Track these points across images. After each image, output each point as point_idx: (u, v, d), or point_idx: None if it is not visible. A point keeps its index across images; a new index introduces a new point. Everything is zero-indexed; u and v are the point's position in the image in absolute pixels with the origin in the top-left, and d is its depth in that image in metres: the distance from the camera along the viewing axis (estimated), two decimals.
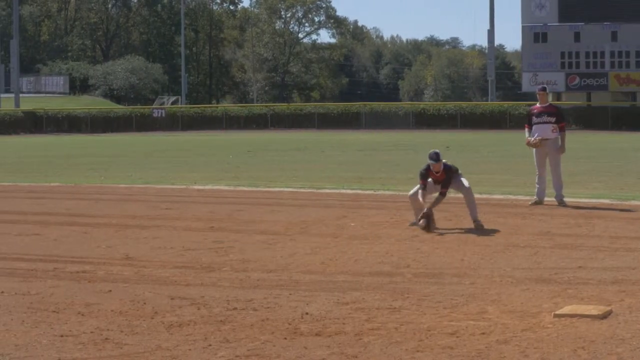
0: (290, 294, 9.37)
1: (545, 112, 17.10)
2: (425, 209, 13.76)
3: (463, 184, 14.42)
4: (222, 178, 24.42)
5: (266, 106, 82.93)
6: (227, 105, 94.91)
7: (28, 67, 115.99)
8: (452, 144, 41.95)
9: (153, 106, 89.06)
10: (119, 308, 8.81)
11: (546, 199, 17.01)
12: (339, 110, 75.05)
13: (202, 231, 14.15)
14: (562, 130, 17.09)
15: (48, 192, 21.16)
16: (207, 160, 34.04)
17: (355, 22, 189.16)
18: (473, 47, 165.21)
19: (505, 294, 9.29)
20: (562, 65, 68.43)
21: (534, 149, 17.10)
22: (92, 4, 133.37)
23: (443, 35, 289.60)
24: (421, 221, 13.74)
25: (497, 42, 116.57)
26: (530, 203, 16.89)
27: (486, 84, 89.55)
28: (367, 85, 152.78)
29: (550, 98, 69.83)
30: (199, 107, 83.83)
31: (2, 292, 9.66)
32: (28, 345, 7.48)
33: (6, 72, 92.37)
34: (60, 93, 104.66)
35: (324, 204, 17.75)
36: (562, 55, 68.30)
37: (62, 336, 7.76)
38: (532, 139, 17.01)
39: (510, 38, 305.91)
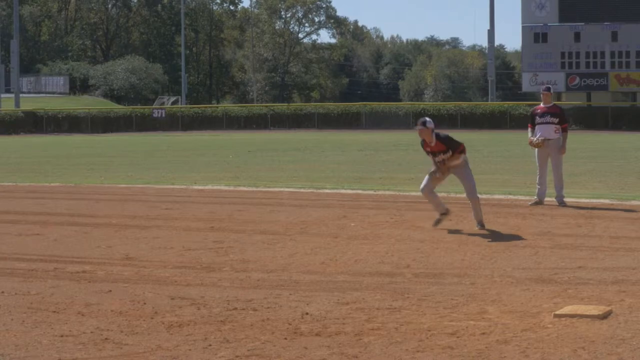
0: (290, 294, 9.37)
1: (548, 113, 17.11)
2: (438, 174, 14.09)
3: (466, 178, 14.41)
4: (222, 178, 24.42)
5: (266, 106, 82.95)
6: (227, 106, 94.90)
7: (28, 67, 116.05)
8: None
9: (153, 106, 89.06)
10: (119, 308, 8.81)
11: (546, 199, 17.02)
12: (339, 111, 75.08)
13: (202, 231, 14.15)
14: (564, 131, 17.11)
15: (48, 192, 21.16)
16: (207, 160, 34.03)
17: (356, 22, 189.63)
18: (473, 47, 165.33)
19: (505, 294, 9.29)
20: (562, 65, 68.46)
21: (536, 149, 17.11)
22: (92, 4, 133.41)
23: (443, 35, 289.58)
24: (438, 174, 14.08)
25: (497, 42, 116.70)
26: (530, 203, 16.90)
27: (486, 84, 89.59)
28: (367, 85, 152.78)
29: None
30: (199, 107, 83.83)
31: (2, 292, 9.65)
32: (28, 345, 7.48)
33: (6, 72, 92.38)
34: (60, 93, 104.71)
35: (324, 204, 17.75)
36: (562, 55, 68.34)
37: (62, 336, 7.76)
38: (535, 139, 17.02)
39: (511, 38, 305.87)
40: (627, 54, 67.46)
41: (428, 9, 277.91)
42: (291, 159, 33.42)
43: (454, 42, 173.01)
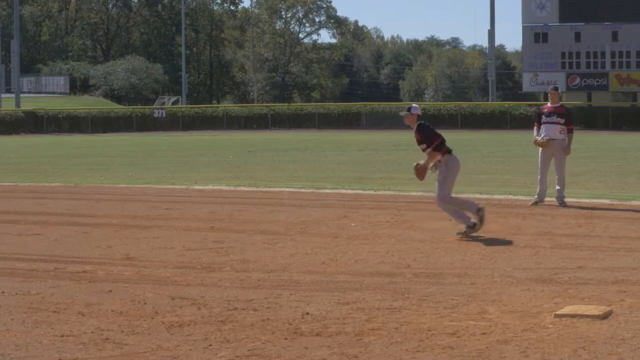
0: (290, 294, 9.37)
1: (555, 113, 17.05)
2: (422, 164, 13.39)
3: (438, 182, 13.31)
4: (222, 178, 24.42)
5: (267, 106, 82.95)
6: (228, 106, 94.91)
7: (29, 67, 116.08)
8: (452, 144, 41.86)
9: (153, 106, 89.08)
10: (119, 308, 8.81)
11: (547, 199, 17.01)
12: (340, 111, 75.08)
13: (203, 231, 14.15)
14: (570, 132, 17.06)
15: (48, 192, 21.16)
16: (207, 160, 34.04)
17: (356, 22, 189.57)
18: (473, 47, 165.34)
19: (505, 294, 9.29)
20: (563, 65, 68.46)
21: (540, 148, 17.08)
22: (93, 4, 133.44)
23: (443, 35, 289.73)
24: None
25: (497, 42, 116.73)
26: (530, 203, 16.87)
27: (487, 84, 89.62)
28: (368, 85, 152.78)
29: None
30: (199, 107, 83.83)
31: (3, 292, 9.66)
32: (28, 345, 7.48)
33: (7, 72, 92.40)
34: (60, 93, 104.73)
35: (324, 204, 17.75)
36: (563, 55, 68.34)
37: (62, 336, 7.76)
38: (540, 138, 16.99)
39: (511, 38, 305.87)
40: (628, 54, 67.46)
41: (428, 9, 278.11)
42: (291, 159, 33.42)
43: (455, 42, 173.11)
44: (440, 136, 13.29)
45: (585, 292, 9.31)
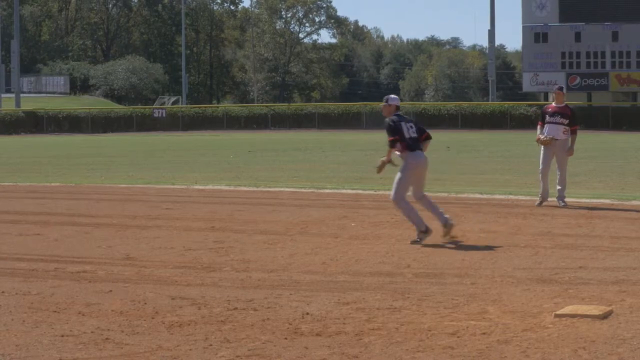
0: (290, 294, 9.37)
1: (559, 113, 16.97)
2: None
3: (395, 181, 12.98)
4: (222, 178, 24.42)
5: (267, 106, 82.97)
6: (228, 105, 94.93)
7: (29, 67, 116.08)
8: (452, 144, 41.95)
9: (154, 106, 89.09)
10: (119, 308, 8.80)
11: (549, 198, 16.95)
12: (340, 111, 75.09)
13: (203, 231, 14.15)
14: (573, 133, 16.97)
15: (49, 192, 21.16)
16: (207, 160, 34.04)
17: (356, 22, 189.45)
18: (474, 47, 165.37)
19: (506, 294, 9.29)
20: (563, 65, 68.48)
21: (542, 147, 17.04)
22: (93, 4, 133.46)
23: (444, 35, 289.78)
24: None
25: (497, 42, 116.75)
26: (536, 204, 16.75)
27: (487, 84, 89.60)
28: (368, 85, 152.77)
29: (550, 98, 69.90)
30: (199, 107, 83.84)
31: (3, 292, 9.65)
32: (29, 345, 7.48)
33: (7, 72, 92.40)
34: (60, 93, 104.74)
35: (324, 204, 17.75)
36: (563, 55, 68.37)
37: (62, 336, 7.76)
38: (543, 136, 16.95)
39: (511, 38, 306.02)
40: (628, 54, 67.49)
41: (428, 9, 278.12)
42: (291, 159, 33.42)
43: (455, 42, 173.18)
44: (396, 134, 12.95)
45: (585, 292, 9.31)
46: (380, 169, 13.33)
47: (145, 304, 9.00)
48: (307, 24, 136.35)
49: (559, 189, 16.86)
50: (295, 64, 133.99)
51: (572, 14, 68.03)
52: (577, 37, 68.03)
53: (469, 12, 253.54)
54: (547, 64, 68.50)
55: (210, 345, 7.45)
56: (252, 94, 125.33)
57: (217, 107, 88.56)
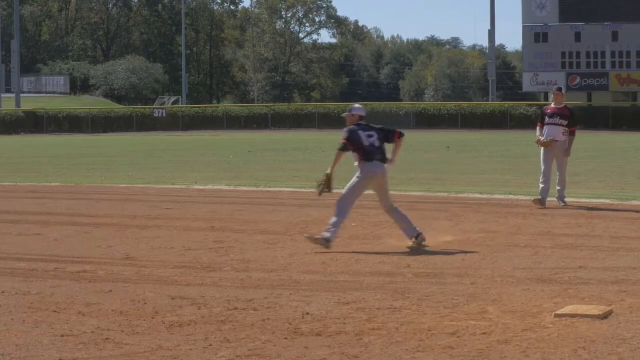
0: (291, 294, 9.37)
1: (558, 114, 16.90)
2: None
3: (348, 185, 12.71)
4: (223, 178, 24.42)
5: (267, 106, 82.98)
6: (228, 105, 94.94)
7: (29, 67, 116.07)
8: (452, 144, 41.94)
9: (154, 106, 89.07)
10: (119, 308, 8.80)
11: (548, 199, 16.93)
12: (340, 111, 74.78)
13: (203, 231, 14.15)
14: (572, 134, 16.91)
15: (49, 192, 21.16)
16: (207, 160, 34.04)
17: (356, 22, 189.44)
18: (474, 47, 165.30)
19: (506, 294, 9.29)
20: (563, 65, 68.48)
21: (542, 149, 17.00)
22: (93, 4, 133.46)
23: (444, 35, 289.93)
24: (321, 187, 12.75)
25: (497, 42, 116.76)
26: (533, 199, 16.75)
27: (487, 84, 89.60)
28: (368, 85, 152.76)
29: (550, 98, 69.83)
30: (199, 107, 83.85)
31: (3, 292, 9.65)
32: (29, 345, 7.48)
33: (7, 72, 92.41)
34: (61, 93, 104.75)
35: (324, 204, 17.70)
36: (563, 55, 68.36)
37: (63, 336, 7.75)
38: (543, 138, 16.91)
39: (511, 38, 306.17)
40: (628, 54, 67.48)
41: (429, 9, 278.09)
42: (292, 159, 33.42)
43: (455, 42, 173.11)
44: (346, 140, 12.73)
45: (585, 292, 9.31)
46: (326, 185, 12.78)
47: (146, 304, 9.00)
48: (307, 24, 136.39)
49: (559, 190, 16.84)
50: (295, 64, 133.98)
51: (572, 14, 68.03)
52: (577, 37, 68.03)
53: (469, 12, 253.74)
54: (547, 64, 68.49)
55: (211, 345, 7.45)
56: (252, 94, 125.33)
57: (218, 107, 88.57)
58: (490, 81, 77.33)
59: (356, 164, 12.72)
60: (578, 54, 68.16)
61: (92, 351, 7.30)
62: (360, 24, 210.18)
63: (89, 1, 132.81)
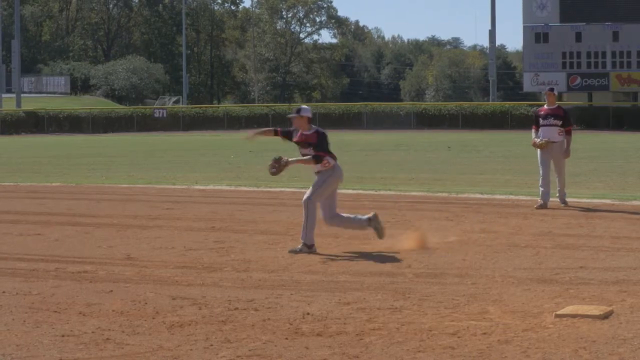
0: (291, 294, 9.37)
1: (551, 115, 16.79)
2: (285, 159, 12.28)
3: (315, 185, 12.29)
4: (223, 178, 24.43)
5: (267, 106, 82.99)
6: (229, 106, 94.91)
7: (29, 67, 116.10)
8: (453, 144, 41.95)
9: (154, 106, 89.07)
10: (120, 308, 8.81)
11: (548, 204, 16.84)
12: (340, 111, 75.05)
13: (204, 231, 14.15)
14: (568, 134, 16.80)
15: (49, 192, 21.16)
16: (208, 160, 34.04)
17: (357, 22, 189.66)
18: (474, 47, 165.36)
19: (506, 294, 9.29)
20: (564, 65, 68.45)
21: (539, 150, 16.90)
22: (94, 4, 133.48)
23: (444, 35, 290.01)
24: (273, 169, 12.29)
25: (498, 42, 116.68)
26: (535, 206, 16.56)
27: (487, 84, 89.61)
28: (369, 85, 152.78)
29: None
30: (200, 107, 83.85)
31: (4, 292, 9.66)
32: (29, 345, 7.48)
33: (7, 72, 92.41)
34: (61, 93, 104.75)
35: None
36: (564, 55, 68.33)
37: (63, 336, 7.76)
38: (538, 140, 16.81)
39: (512, 38, 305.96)
40: (629, 54, 67.46)
41: (429, 9, 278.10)
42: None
43: (455, 42, 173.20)
44: (327, 152, 12.29)
45: (586, 292, 9.31)
46: (280, 171, 12.38)
47: (146, 304, 9.00)
48: (307, 24, 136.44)
49: (559, 190, 16.79)
50: (296, 64, 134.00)
51: (572, 14, 68.00)
52: (578, 37, 68.00)
53: (470, 12, 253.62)
54: (547, 64, 68.47)
55: (211, 345, 7.45)
56: (252, 94, 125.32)
57: (218, 107, 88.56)
58: (490, 81, 77.32)
59: (318, 166, 12.26)
60: (578, 54, 68.14)
61: (92, 351, 7.30)
62: (361, 24, 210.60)
63: (89, 1, 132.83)
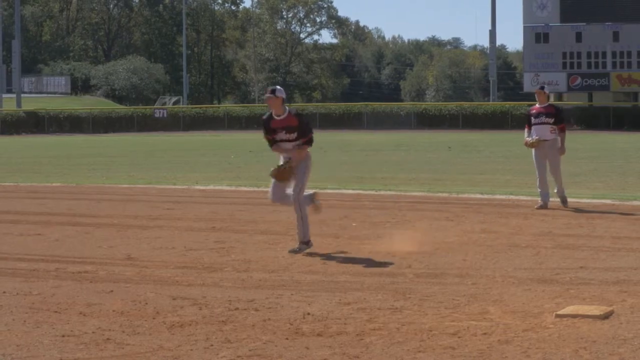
0: (292, 294, 9.37)
1: (543, 113, 16.68)
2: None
3: (298, 181, 12.02)
4: (223, 178, 24.43)
5: (268, 106, 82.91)
6: (229, 106, 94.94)
7: (30, 67, 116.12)
8: (453, 144, 41.95)
9: (155, 106, 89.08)
10: (120, 308, 8.80)
11: (549, 204, 16.80)
12: (341, 111, 75.07)
13: (204, 231, 14.15)
14: (561, 131, 16.63)
15: (50, 192, 21.16)
16: (208, 160, 34.04)
17: (357, 22, 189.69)
18: (475, 47, 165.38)
19: (507, 294, 9.29)
20: (564, 65, 68.46)
21: (533, 150, 16.80)
22: (94, 4, 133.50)
23: (445, 35, 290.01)
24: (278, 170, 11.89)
25: (498, 43, 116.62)
26: (536, 207, 16.49)
27: (488, 84, 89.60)
28: (369, 85, 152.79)
29: (552, 98, 69.75)
30: (200, 107, 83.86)
31: (4, 292, 9.65)
32: (30, 346, 7.48)
33: (8, 73, 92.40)
34: (62, 93, 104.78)
35: (325, 204, 17.66)
36: (564, 55, 68.35)
37: (63, 336, 7.76)
38: (530, 139, 16.72)
39: (512, 38, 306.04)
40: (629, 54, 67.48)
41: (429, 9, 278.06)
42: None
43: (456, 42, 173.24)
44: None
45: (586, 292, 9.31)
46: (291, 174, 11.95)
47: (147, 304, 9.00)
48: (308, 24, 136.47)
49: (557, 191, 16.64)
50: (296, 64, 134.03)
51: (573, 14, 68.01)
52: (578, 37, 68.01)
53: (470, 13, 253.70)
54: (548, 64, 68.48)
55: (212, 345, 7.45)
56: (253, 94, 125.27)
57: (218, 107, 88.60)
58: (491, 81, 77.33)
59: (283, 156, 12.14)
60: (579, 54, 68.15)
61: (93, 351, 7.30)
62: (361, 24, 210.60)
63: (89, 1, 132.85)
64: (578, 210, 16.21)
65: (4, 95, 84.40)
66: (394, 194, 19.55)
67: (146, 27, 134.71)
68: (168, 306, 8.89)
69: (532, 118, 16.73)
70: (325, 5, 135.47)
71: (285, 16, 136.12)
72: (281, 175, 12.03)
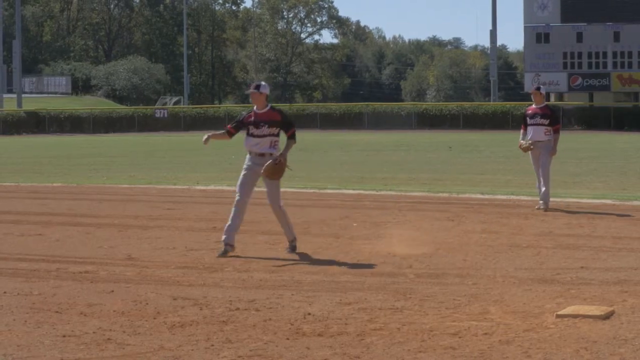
0: (292, 294, 9.37)
1: (539, 114, 16.59)
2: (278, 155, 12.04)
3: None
4: (224, 178, 24.42)
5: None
6: (230, 106, 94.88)
7: (30, 67, 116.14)
8: (454, 144, 41.94)
9: (155, 106, 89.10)
10: (121, 308, 8.81)
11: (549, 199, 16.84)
12: (341, 111, 75.06)
13: (205, 231, 14.15)
14: (555, 132, 16.53)
15: (50, 193, 21.17)
16: (209, 160, 34.04)
17: (358, 22, 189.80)
18: (475, 47, 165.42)
19: (507, 294, 9.29)
20: (565, 65, 68.47)
21: (530, 152, 16.78)
22: (95, 5, 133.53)
23: (445, 35, 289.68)
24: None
25: (499, 43, 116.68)
26: (536, 207, 16.44)
27: (488, 84, 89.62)
28: (370, 85, 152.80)
29: (552, 98, 69.77)
30: (201, 108, 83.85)
31: (5, 292, 9.66)
32: (30, 346, 7.48)
33: (9, 73, 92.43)
34: (62, 93, 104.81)
35: (326, 204, 17.75)
36: (565, 55, 68.36)
37: (64, 336, 7.76)
38: (524, 142, 16.67)
39: (513, 38, 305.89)
40: (630, 54, 67.49)
41: (430, 9, 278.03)
42: (293, 159, 33.30)
43: (456, 43, 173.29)
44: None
45: (587, 292, 9.31)
46: (282, 171, 12.14)
47: (147, 304, 9.01)
48: (308, 24, 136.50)
49: (543, 192, 16.30)
50: (297, 64, 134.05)
51: (573, 15, 68.03)
52: (579, 37, 68.02)
53: (471, 13, 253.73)
54: (548, 64, 68.48)
55: (212, 345, 7.45)
56: None
57: (219, 107, 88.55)
58: (491, 81, 77.33)
59: (254, 151, 12.34)
60: (579, 54, 68.16)
61: (93, 351, 7.30)
62: (362, 24, 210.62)
63: (90, 1, 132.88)
64: (578, 210, 16.20)
65: (5, 96, 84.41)
66: (395, 194, 19.55)
67: (147, 27, 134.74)
68: (169, 306, 8.89)
69: (528, 118, 16.70)
70: (326, 5, 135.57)
71: (286, 16, 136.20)
72: (277, 172, 12.25)
